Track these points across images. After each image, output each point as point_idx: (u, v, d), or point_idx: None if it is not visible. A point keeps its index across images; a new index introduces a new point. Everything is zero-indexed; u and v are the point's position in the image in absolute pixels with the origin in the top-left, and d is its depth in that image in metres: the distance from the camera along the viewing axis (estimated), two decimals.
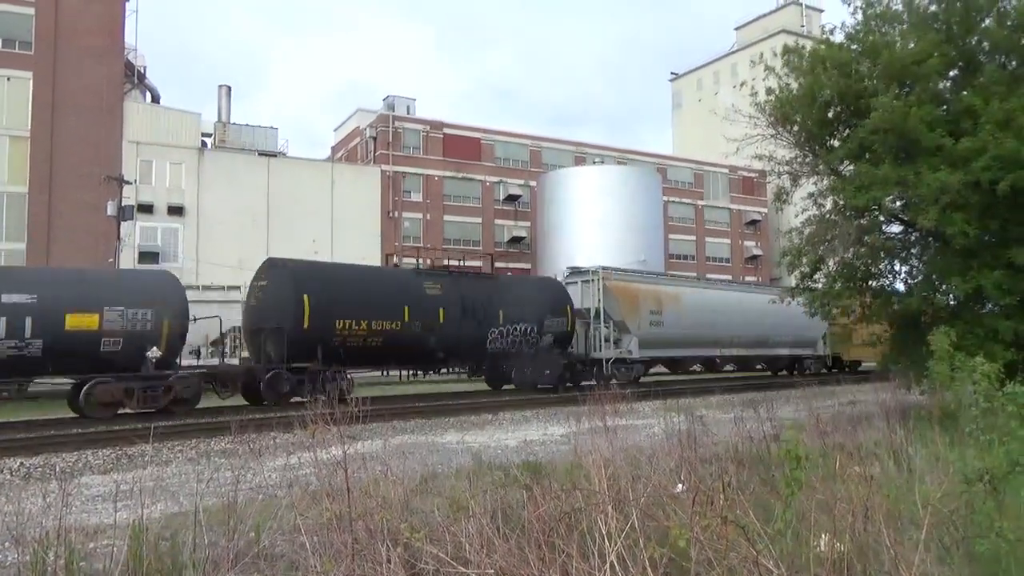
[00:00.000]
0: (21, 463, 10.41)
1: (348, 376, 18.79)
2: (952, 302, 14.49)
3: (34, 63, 36.83)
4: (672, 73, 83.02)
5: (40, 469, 10.19)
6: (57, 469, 10.18)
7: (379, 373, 23.27)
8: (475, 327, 21.22)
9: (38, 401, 20.76)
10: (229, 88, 51.07)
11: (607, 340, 24.26)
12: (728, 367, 34.04)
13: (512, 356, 22.11)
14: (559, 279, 26.18)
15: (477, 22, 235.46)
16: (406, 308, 19.68)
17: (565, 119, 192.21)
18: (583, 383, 22.90)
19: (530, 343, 22.38)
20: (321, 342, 18.02)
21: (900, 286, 15.85)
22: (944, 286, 14.09)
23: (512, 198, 53.02)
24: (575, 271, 26.23)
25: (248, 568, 4.32)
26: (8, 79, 36.65)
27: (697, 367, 32.58)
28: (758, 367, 35.23)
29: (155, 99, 48.03)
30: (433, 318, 20.24)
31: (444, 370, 23.02)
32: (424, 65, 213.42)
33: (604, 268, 25.60)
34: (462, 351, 21.35)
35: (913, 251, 15.55)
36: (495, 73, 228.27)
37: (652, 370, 29.84)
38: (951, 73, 14.54)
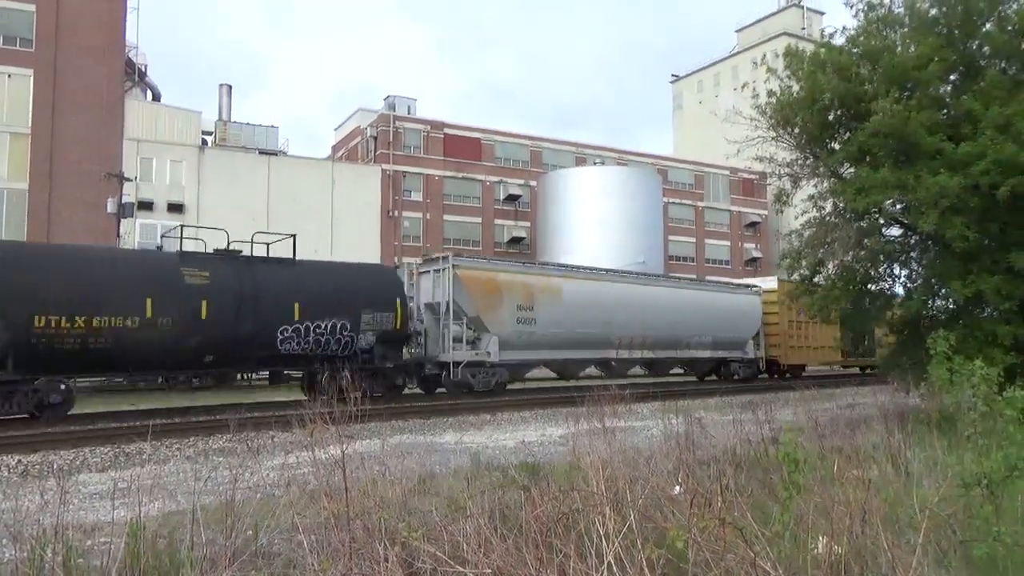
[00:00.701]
0: (19, 460, 10.41)
1: (65, 386, 14.87)
2: (951, 306, 14.51)
3: (35, 60, 36.81)
4: (673, 75, 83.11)
5: (38, 466, 10.18)
6: (55, 466, 10.18)
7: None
8: (257, 324, 17.05)
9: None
10: (230, 87, 51.12)
11: (459, 340, 20.53)
12: (640, 371, 28.91)
13: (315, 359, 18.05)
14: (413, 268, 22.58)
15: (478, 23, 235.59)
16: (149, 300, 15.68)
17: (565, 120, 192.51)
18: (437, 389, 21.14)
19: (343, 343, 18.58)
20: (12, 344, 14.17)
21: (899, 290, 15.88)
22: (943, 290, 14.10)
23: (512, 198, 53.04)
24: (429, 259, 22.53)
25: (246, 566, 4.32)
26: (9, 76, 36.63)
27: (593, 370, 27.04)
28: (681, 371, 31.07)
29: (156, 97, 48.04)
30: (192, 313, 16.22)
31: (241, 376, 19.61)
32: (425, 65, 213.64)
33: (457, 255, 21.81)
34: (240, 354, 17.21)
35: (913, 255, 15.56)
36: (495, 73, 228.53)
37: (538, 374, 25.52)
38: (951, 77, 14.57)
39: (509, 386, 23.27)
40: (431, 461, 8.91)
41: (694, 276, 48.01)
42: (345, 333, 18.62)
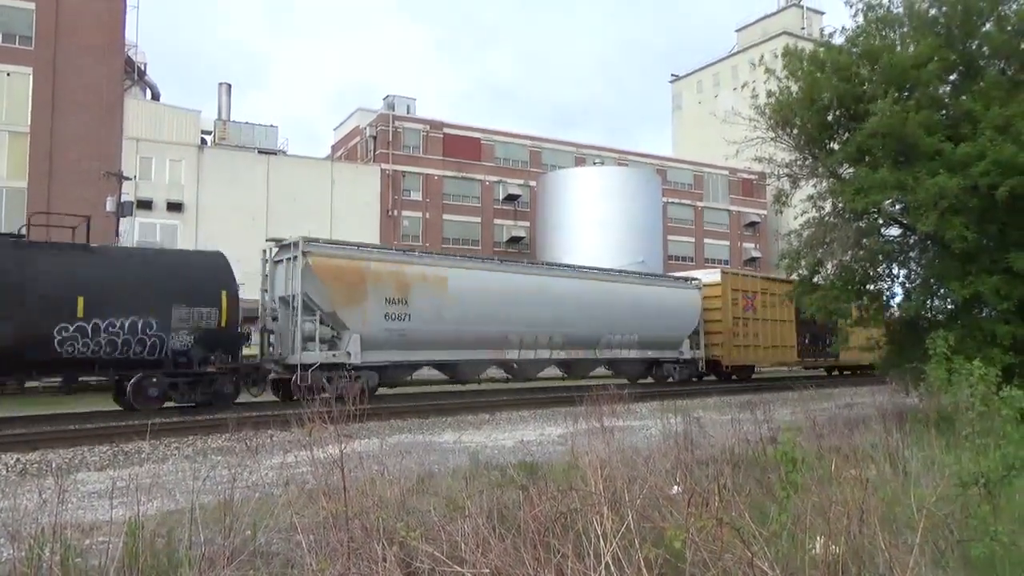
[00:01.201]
0: (17, 459, 10.40)
1: None
2: (950, 306, 14.52)
3: (34, 59, 36.78)
4: (672, 75, 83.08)
5: (36, 465, 10.18)
6: (53, 465, 10.18)
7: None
8: (23, 323, 14.36)
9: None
10: (229, 86, 51.12)
11: (311, 339, 17.62)
12: (555, 372, 25.82)
13: (112, 364, 15.35)
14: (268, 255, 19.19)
15: (477, 23, 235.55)
16: None
17: (565, 120, 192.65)
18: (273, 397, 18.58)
19: (148, 345, 15.63)
20: None
21: (898, 290, 15.89)
22: (942, 290, 14.12)
23: (511, 198, 53.04)
24: (283, 245, 18.86)
25: (244, 566, 4.32)
26: (8, 74, 36.61)
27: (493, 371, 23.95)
28: (606, 372, 26.52)
29: (155, 96, 48.01)
30: None
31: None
32: (424, 65, 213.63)
33: (313, 240, 18.38)
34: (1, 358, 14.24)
35: (912, 255, 15.57)
36: (494, 73, 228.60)
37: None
38: (951, 77, 14.57)
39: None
40: (430, 460, 8.92)
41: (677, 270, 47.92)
42: (150, 333, 15.67)
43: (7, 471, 9.74)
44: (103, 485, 8.36)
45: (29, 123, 36.57)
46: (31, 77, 36.68)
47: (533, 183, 53.16)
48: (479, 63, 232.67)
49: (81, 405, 17.69)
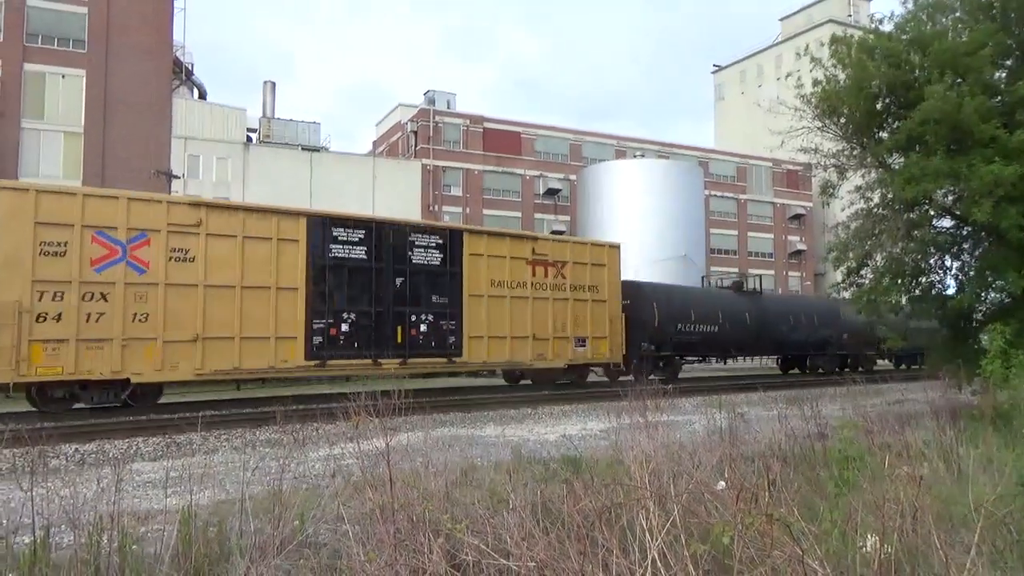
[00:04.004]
0: (76, 449, 10.75)
1: None
2: (1007, 299, 14.07)
3: (87, 61, 37.85)
4: (715, 65, 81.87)
5: (94, 455, 10.51)
6: (110, 455, 10.50)
7: None
8: None
9: None
10: (273, 84, 51.93)
11: None
12: None
13: None
14: None
15: (505, 13, 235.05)
16: None
17: (598, 112, 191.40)
18: None
19: None
20: None
21: (951, 282, 15.45)
22: (998, 282, 13.68)
23: (552, 192, 52.90)
24: None
25: (293, 555, 4.40)
26: (63, 77, 37.73)
27: None
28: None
29: (202, 95, 49.02)
30: None
31: None
32: (456, 59, 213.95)
33: None
34: None
35: (965, 246, 15.12)
36: (524, 66, 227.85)
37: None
38: (1007, 63, 14.09)
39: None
40: (473, 454, 8.96)
41: (736, 271, 47.22)
42: None
43: (67, 461, 10.07)
44: (157, 475, 8.60)
45: (83, 123, 37.67)
46: (84, 79, 37.76)
47: (573, 177, 52.94)
48: (508, 54, 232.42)
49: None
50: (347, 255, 16.74)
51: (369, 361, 16.94)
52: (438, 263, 18.25)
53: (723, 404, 11.39)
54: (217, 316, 14.78)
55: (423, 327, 17.86)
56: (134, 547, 4.49)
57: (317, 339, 16.07)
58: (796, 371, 32.29)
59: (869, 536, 3.88)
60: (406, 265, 17.67)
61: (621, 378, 22.98)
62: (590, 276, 21.25)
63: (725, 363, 29.81)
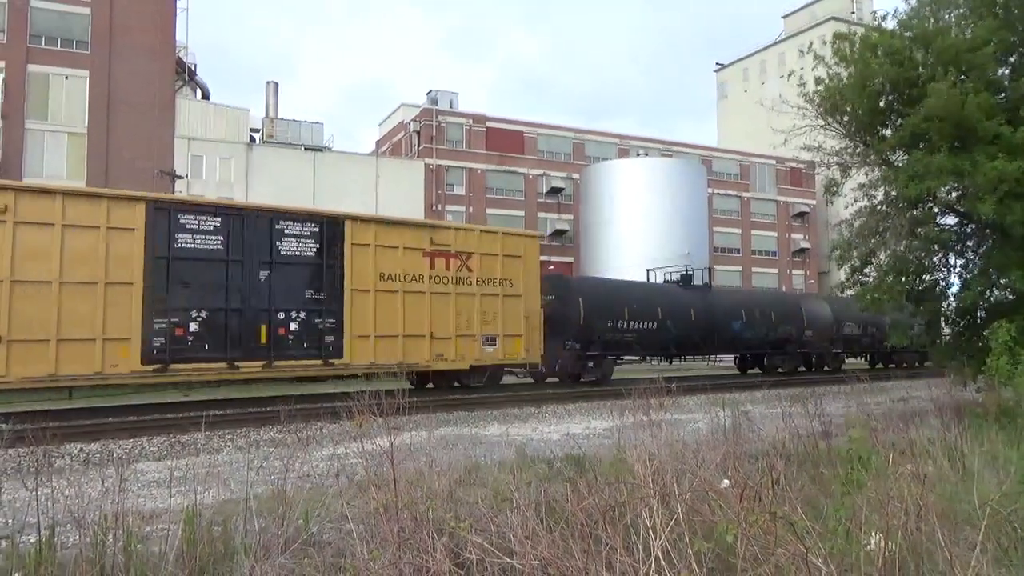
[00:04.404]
0: (81, 448, 10.79)
1: None
2: (1011, 296, 14.03)
3: (90, 61, 37.94)
4: (717, 63, 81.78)
5: (99, 455, 10.54)
6: (114, 455, 10.53)
7: None
8: None
9: None
10: (276, 84, 52.00)
11: None
12: None
13: None
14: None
15: (504, 12, 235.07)
16: None
17: (598, 111, 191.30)
18: None
19: None
20: None
21: (955, 280, 15.40)
22: (1002, 280, 13.65)
23: (555, 191, 52.90)
24: None
25: (297, 554, 4.41)
26: (67, 77, 37.82)
27: None
28: None
29: (205, 96, 49.11)
30: None
31: None
32: (453, 58, 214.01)
33: None
34: None
35: (969, 244, 15.07)
36: (524, 64, 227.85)
37: None
38: (1010, 59, 14.04)
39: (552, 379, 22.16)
40: (476, 453, 8.97)
41: (740, 269, 47.12)
42: None
43: (71, 460, 10.10)
44: (162, 474, 8.62)
45: (86, 124, 37.76)
46: (87, 80, 37.84)
47: (576, 176, 52.92)
48: (508, 54, 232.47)
49: (137, 397, 18.25)
50: (198, 245, 14.92)
51: (224, 364, 15.03)
52: (313, 254, 16.34)
53: (727, 402, 11.38)
54: (28, 315, 13.01)
55: (293, 326, 15.94)
56: (139, 546, 4.50)
57: (157, 341, 14.19)
58: (757, 371, 30.04)
59: (873, 534, 3.88)
60: (273, 256, 15.79)
61: (549, 379, 22.23)
62: (503, 269, 19.33)
63: (671, 363, 27.01)
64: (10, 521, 5.14)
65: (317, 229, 16.48)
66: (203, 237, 15.04)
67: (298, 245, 16.18)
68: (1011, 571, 4.07)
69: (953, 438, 7.00)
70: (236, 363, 15.17)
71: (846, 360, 33.08)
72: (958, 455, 6.51)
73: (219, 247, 15.18)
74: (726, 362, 32.56)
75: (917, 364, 33.72)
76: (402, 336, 17.43)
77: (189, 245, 14.84)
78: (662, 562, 3.40)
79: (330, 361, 16.44)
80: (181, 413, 14.28)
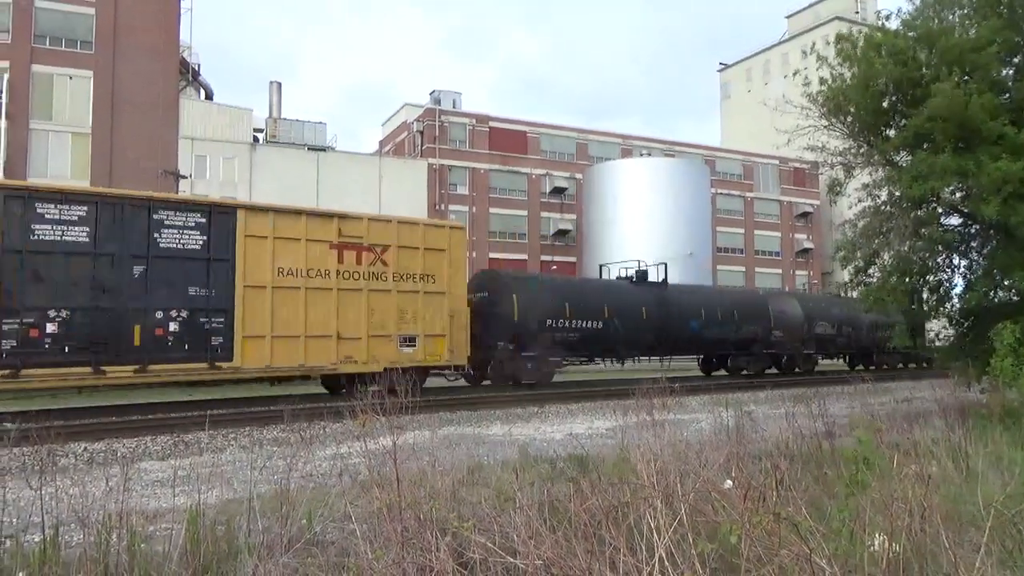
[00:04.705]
0: (85, 447, 10.81)
1: None
2: (1015, 297, 14.00)
3: (94, 62, 38.03)
4: (721, 63, 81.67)
5: (103, 454, 10.57)
6: (118, 454, 10.56)
7: None
8: None
9: None
10: (279, 84, 52.06)
11: None
12: None
13: None
14: None
15: (502, 14, 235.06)
16: None
17: (599, 111, 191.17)
18: None
19: None
20: None
21: (959, 281, 15.38)
22: (1006, 281, 13.62)
23: (558, 191, 52.88)
24: None
25: (300, 554, 4.41)
26: (71, 78, 37.91)
27: None
28: None
29: (208, 96, 49.16)
30: None
31: None
32: (454, 58, 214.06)
33: None
34: None
35: (973, 244, 15.04)
36: (525, 64, 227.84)
37: None
38: (1014, 60, 14.02)
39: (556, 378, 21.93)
40: (479, 452, 8.97)
41: (743, 269, 46.99)
42: None
43: (76, 459, 10.13)
44: (165, 474, 8.64)
45: (90, 124, 37.84)
46: (91, 80, 37.93)
47: (579, 175, 52.91)
48: (509, 54, 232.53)
49: (140, 396, 18.30)
50: (59, 237, 13.46)
51: (88, 369, 13.56)
52: (199, 247, 14.86)
53: (730, 402, 11.36)
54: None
55: (174, 326, 14.50)
56: (143, 545, 4.51)
57: (7, 344, 12.87)
58: (723, 372, 28.57)
59: (877, 535, 3.87)
60: (149, 250, 14.33)
61: (485, 382, 21.30)
62: (424, 263, 17.97)
63: (623, 365, 25.24)
64: (15, 520, 5.15)
65: (204, 220, 15.01)
66: (66, 228, 13.60)
67: (180, 237, 14.75)
68: (1016, 573, 4.06)
69: (957, 439, 6.99)
70: (103, 367, 13.70)
71: (820, 361, 31.75)
72: (962, 456, 6.50)
73: (84, 239, 13.72)
74: (685, 363, 30.37)
75: (901, 365, 32.62)
76: (304, 337, 16.00)
77: (48, 237, 13.40)
78: (666, 563, 3.40)
79: (217, 364, 14.98)
80: (184, 412, 14.32)
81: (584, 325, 21.93)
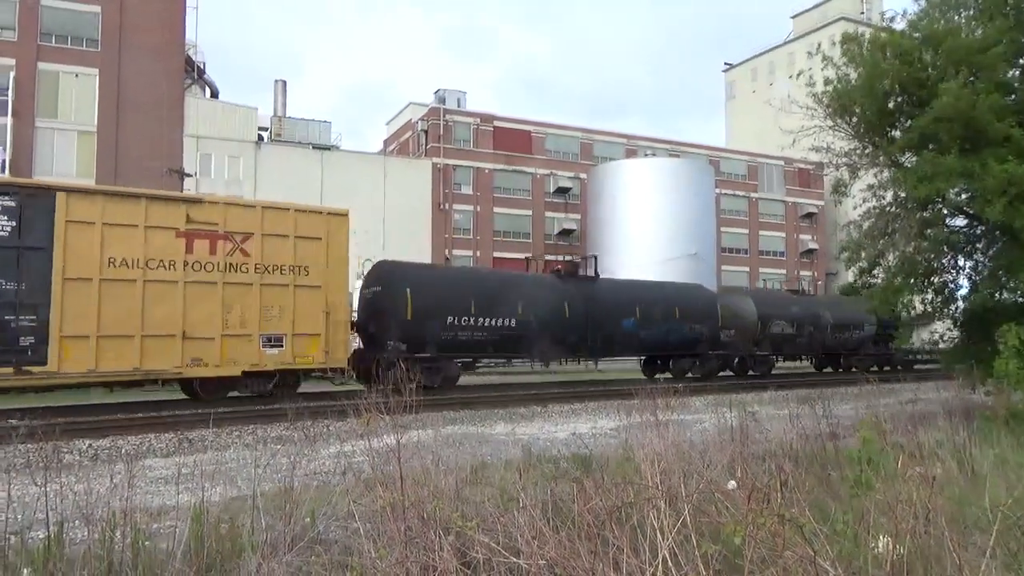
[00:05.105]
0: (89, 444, 10.84)
1: None
2: (1020, 299, 13.97)
3: (100, 60, 38.10)
4: (726, 63, 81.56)
5: (107, 451, 10.60)
6: (123, 451, 10.58)
7: None
8: None
9: None
10: (285, 83, 52.13)
11: None
12: None
13: None
14: None
15: (504, 14, 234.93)
16: None
17: (603, 111, 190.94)
18: None
19: None
20: None
21: (964, 282, 15.35)
22: (1012, 282, 13.58)
23: (562, 191, 52.86)
24: None
25: (304, 552, 4.42)
26: (76, 76, 38.00)
27: None
28: None
29: (214, 94, 49.24)
30: None
31: None
32: (457, 57, 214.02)
33: None
34: None
35: (978, 245, 15.01)
36: (528, 65, 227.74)
37: None
38: (1020, 61, 13.98)
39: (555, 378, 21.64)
40: (483, 452, 8.97)
41: (747, 269, 46.95)
42: None
43: (80, 456, 10.15)
44: (169, 471, 8.65)
45: (96, 122, 37.93)
46: (97, 78, 38.01)
47: (584, 175, 52.88)
48: (512, 53, 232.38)
49: (145, 394, 18.33)
50: None
51: None
52: (6, 234, 13.08)
53: (733, 403, 11.34)
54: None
55: None
56: (147, 543, 4.52)
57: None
58: (668, 375, 24.93)
59: (881, 537, 3.86)
60: None
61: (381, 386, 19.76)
62: (296, 254, 16.07)
63: (547, 366, 23.05)
64: (19, 517, 5.16)
65: (13, 204, 13.14)
66: None
67: None
68: None
69: (962, 441, 6.97)
70: None
71: (777, 363, 29.66)
72: (967, 458, 6.48)
73: None
74: (619, 365, 28.67)
75: (874, 368, 30.85)
76: (140, 336, 14.16)
77: None
78: (669, 564, 3.40)
79: (26, 369, 13.11)
80: (189, 410, 14.34)
81: (493, 323, 19.72)
